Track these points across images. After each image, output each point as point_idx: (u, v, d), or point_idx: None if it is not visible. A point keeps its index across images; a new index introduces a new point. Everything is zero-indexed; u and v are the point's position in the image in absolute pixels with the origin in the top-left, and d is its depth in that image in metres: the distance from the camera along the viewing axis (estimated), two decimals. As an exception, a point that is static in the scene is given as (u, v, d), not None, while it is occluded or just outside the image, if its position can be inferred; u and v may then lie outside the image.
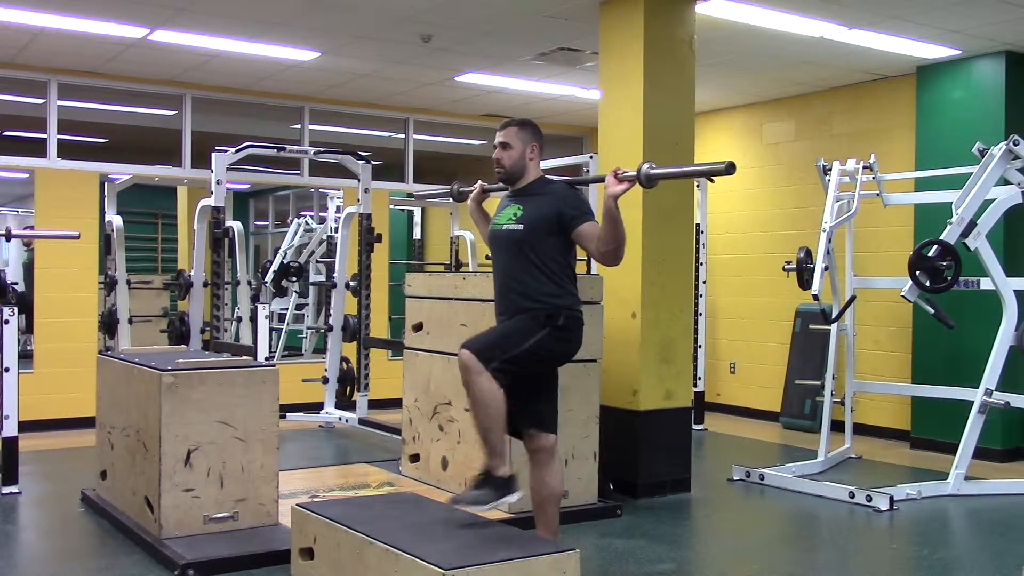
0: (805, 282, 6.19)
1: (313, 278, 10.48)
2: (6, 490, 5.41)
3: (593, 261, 6.28)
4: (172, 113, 8.56)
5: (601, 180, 3.69)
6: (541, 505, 3.77)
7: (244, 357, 5.19)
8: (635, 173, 3.53)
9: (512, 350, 3.61)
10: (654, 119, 5.55)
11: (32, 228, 8.25)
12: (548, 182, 3.87)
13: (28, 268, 10.06)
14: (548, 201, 3.73)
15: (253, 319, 7.51)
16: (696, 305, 7.83)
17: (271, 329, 8.53)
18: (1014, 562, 4.33)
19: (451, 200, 4.61)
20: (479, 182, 4.28)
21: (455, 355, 5.07)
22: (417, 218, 12.48)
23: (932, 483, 5.72)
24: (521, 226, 3.73)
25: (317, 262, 10.40)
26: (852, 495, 5.47)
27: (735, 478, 6.06)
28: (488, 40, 6.77)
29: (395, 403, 6.49)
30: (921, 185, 6.95)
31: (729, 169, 3.35)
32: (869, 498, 5.36)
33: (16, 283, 10.65)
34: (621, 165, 3.65)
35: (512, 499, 3.67)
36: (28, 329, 8.39)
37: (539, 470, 3.74)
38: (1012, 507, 5.56)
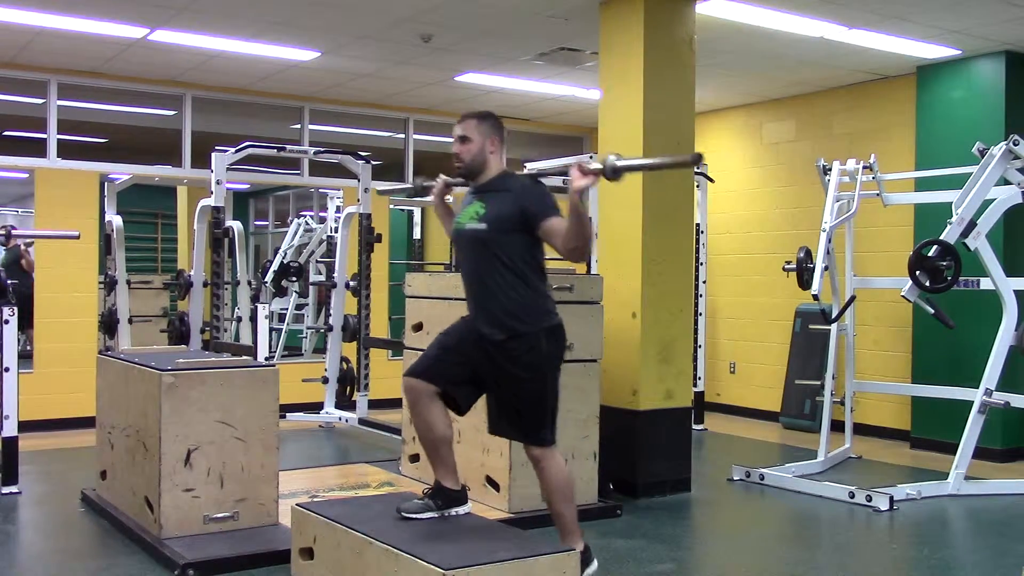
0: (805, 282, 6.19)
1: (313, 278, 10.48)
2: (6, 490, 5.40)
3: (594, 260, 6.29)
4: (172, 113, 8.55)
5: (565, 174, 3.50)
6: (548, 505, 3.75)
7: (244, 357, 5.19)
8: (600, 166, 3.29)
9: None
10: (654, 119, 5.55)
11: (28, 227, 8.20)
12: (510, 176, 3.72)
13: (7, 266, 9.79)
14: (511, 197, 3.59)
15: (253, 319, 7.51)
16: (696, 305, 7.82)
17: (271, 329, 8.53)
18: (1014, 562, 4.33)
19: (414, 196, 4.42)
20: (440, 176, 4.04)
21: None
22: (417, 218, 12.48)
23: (932, 483, 5.72)
24: (484, 225, 3.59)
25: (317, 262, 10.40)
26: (852, 495, 5.46)
27: (735, 478, 6.06)
28: (488, 40, 6.77)
29: (395, 403, 6.47)
30: (921, 185, 6.95)
31: (695, 160, 3.22)
32: (869, 498, 5.36)
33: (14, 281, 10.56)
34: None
35: (462, 511, 3.72)
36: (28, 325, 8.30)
37: (537, 476, 3.73)
38: (1012, 507, 5.57)
